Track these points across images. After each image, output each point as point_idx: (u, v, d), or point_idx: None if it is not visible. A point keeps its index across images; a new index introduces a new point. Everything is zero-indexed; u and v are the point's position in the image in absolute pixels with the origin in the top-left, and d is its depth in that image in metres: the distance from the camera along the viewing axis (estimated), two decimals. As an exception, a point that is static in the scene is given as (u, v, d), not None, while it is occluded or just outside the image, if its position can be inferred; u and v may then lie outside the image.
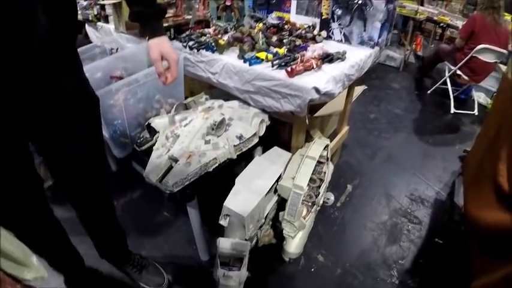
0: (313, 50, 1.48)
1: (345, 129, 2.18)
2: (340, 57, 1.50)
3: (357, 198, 2.08)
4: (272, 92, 1.39)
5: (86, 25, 2.31)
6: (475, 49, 3.02)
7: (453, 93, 3.43)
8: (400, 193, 2.16)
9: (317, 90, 1.29)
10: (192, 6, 1.95)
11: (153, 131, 1.45)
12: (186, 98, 1.75)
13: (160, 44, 1.09)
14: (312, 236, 1.62)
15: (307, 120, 1.45)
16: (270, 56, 1.44)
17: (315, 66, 1.38)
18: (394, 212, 2.00)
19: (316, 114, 1.81)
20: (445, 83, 3.48)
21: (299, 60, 1.39)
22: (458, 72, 3.25)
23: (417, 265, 1.68)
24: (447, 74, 3.43)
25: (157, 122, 1.45)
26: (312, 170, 1.38)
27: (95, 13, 2.20)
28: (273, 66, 1.38)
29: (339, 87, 1.43)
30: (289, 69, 1.33)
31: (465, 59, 3.12)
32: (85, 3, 2.29)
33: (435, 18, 4.16)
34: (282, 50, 1.50)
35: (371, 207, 2.02)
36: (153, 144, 1.39)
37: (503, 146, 1.43)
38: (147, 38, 1.11)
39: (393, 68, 4.43)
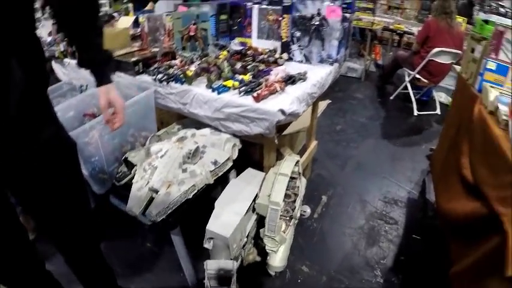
0: (276, 74, 1.55)
1: (314, 143, 2.25)
2: (301, 77, 1.58)
3: (333, 208, 2.15)
4: (241, 118, 1.44)
5: (53, 61, 2.27)
6: (431, 52, 3.19)
7: (415, 96, 3.58)
8: (373, 197, 2.25)
9: (283, 112, 1.36)
10: (158, 39, 1.99)
11: (130, 165, 1.48)
12: (158, 129, 1.79)
13: (108, 91, 1.11)
14: (293, 249, 1.67)
15: (276, 140, 1.51)
16: (236, 83, 1.50)
17: (278, 89, 1.45)
18: (370, 215, 2.09)
19: (284, 133, 1.86)
20: (406, 87, 3.63)
21: (264, 85, 1.46)
22: (417, 76, 3.40)
23: (398, 262, 1.76)
24: (407, 79, 3.58)
25: (133, 156, 1.48)
26: (285, 186, 1.45)
27: (61, 49, 2.17)
28: (240, 93, 1.44)
29: (303, 106, 1.51)
30: (255, 94, 1.39)
31: (423, 63, 3.28)
32: (49, 39, 2.25)
33: (391, 27, 4.34)
34: (247, 77, 1.57)
35: (347, 214, 2.10)
36: (132, 178, 1.42)
37: (463, 141, 1.53)
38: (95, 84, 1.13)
39: (355, 79, 4.56)
